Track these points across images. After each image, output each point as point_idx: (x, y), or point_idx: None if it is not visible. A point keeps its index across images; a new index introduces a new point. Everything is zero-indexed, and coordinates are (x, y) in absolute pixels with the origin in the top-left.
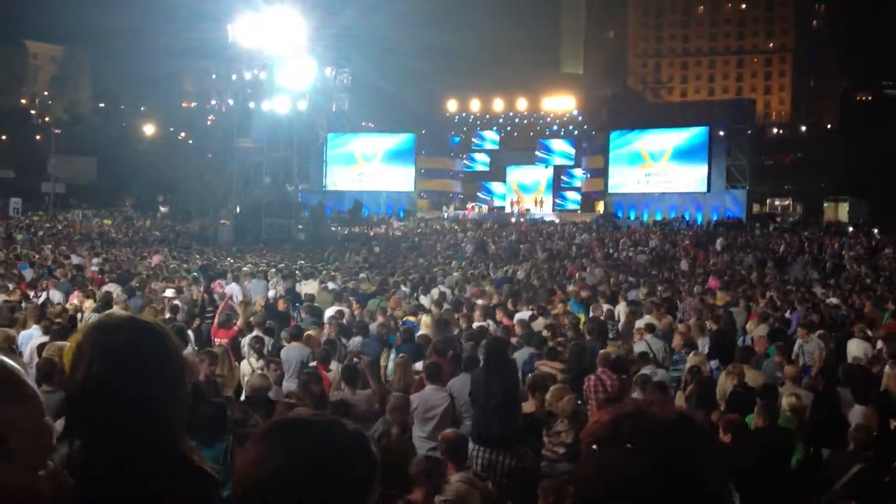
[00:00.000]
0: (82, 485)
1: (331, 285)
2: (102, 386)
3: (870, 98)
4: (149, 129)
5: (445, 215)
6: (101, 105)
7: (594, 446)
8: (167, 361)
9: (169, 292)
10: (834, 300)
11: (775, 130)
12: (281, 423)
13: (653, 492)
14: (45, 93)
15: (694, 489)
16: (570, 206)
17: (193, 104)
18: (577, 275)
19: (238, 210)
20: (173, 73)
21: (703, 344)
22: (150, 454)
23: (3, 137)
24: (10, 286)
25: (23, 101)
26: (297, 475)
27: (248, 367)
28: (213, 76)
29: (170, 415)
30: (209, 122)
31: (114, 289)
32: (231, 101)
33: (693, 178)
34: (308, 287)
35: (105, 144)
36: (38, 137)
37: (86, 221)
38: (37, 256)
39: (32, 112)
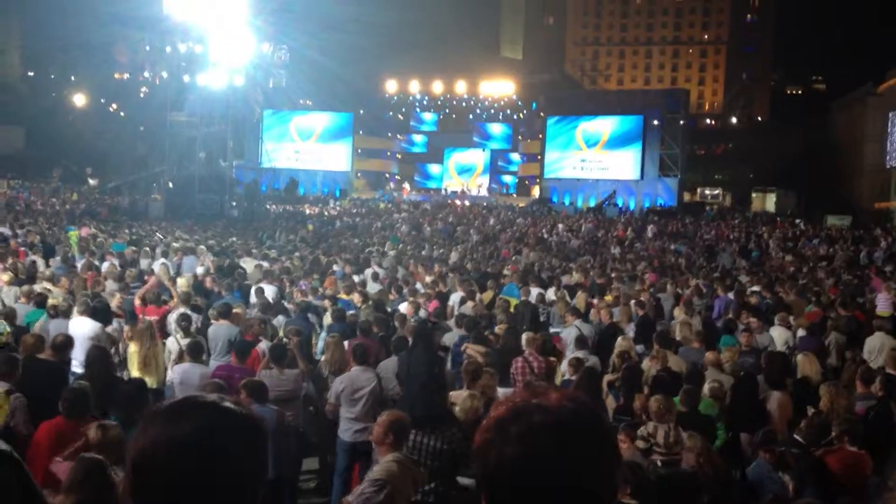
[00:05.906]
0: None
1: (265, 264)
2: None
3: (799, 92)
4: (79, 100)
5: (378, 195)
6: (31, 74)
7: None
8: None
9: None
10: (757, 288)
11: (708, 121)
12: (158, 408)
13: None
14: None
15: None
16: (507, 189)
17: (126, 76)
18: (513, 258)
19: (170, 185)
20: (106, 43)
21: (630, 329)
22: None
23: None
24: None
25: None
26: (172, 455)
27: (175, 344)
28: (147, 47)
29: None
30: (142, 95)
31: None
32: (165, 74)
33: (627, 165)
34: (244, 265)
35: (34, 114)
36: None
37: (11, 192)
38: None
39: None
